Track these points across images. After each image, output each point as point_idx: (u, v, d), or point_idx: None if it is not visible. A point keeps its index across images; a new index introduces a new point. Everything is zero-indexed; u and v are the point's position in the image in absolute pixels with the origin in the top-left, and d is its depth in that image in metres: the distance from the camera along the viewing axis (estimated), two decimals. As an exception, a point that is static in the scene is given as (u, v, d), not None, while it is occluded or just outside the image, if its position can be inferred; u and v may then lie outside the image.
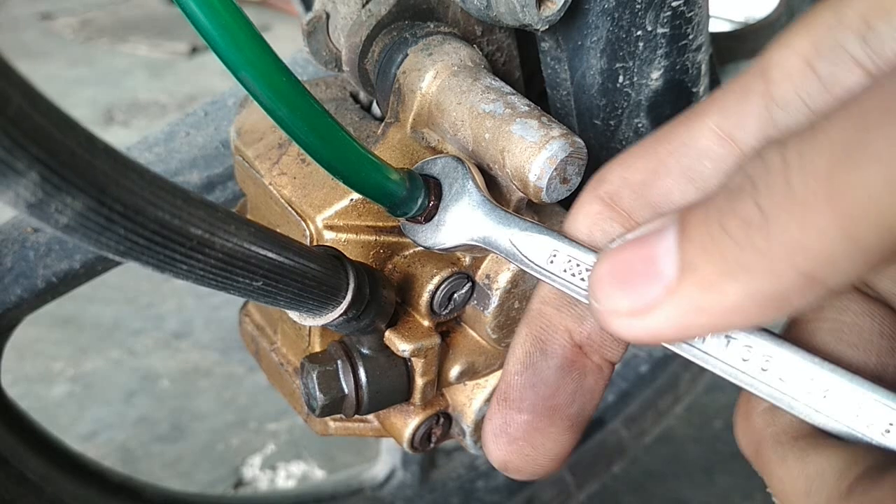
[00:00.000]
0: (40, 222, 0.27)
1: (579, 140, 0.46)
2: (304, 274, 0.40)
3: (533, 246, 0.41)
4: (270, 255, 0.37)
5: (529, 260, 0.41)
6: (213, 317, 1.66)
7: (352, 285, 0.45)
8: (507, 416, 0.40)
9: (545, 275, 0.40)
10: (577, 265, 0.38)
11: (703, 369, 0.36)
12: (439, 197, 0.47)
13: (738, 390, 0.37)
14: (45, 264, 0.65)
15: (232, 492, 1.31)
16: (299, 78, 0.71)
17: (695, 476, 1.34)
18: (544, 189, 0.46)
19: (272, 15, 3.29)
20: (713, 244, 0.29)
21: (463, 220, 0.45)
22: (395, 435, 0.60)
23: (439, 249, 0.47)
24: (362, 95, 0.62)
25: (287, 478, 1.32)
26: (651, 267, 0.31)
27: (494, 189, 0.50)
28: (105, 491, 0.80)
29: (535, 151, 0.46)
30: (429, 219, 0.47)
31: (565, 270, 0.39)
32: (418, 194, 0.46)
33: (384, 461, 1.11)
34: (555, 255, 0.39)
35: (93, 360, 1.56)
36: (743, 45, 0.87)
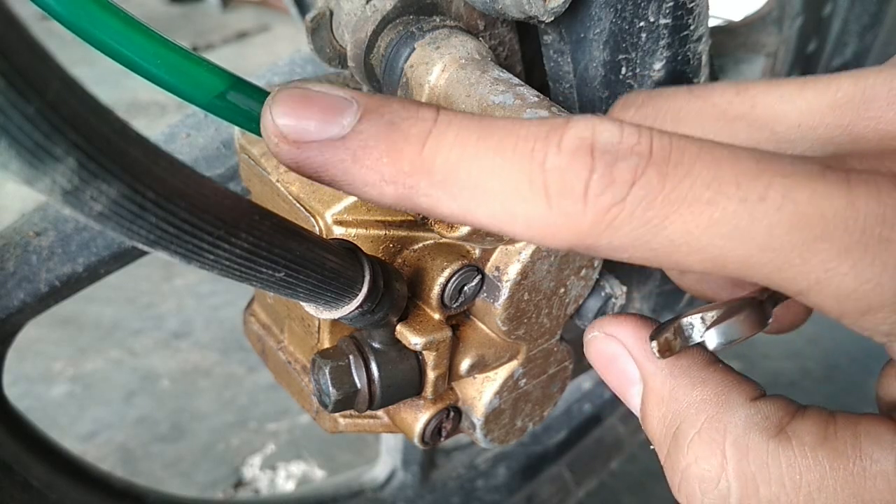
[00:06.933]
0: (74, 211, 0.27)
1: (589, 129, 0.47)
2: (323, 266, 0.40)
3: None
4: (293, 245, 0.37)
5: None
6: (213, 317, 1.65)
7: (367, 278, 0.45)
8: None
9: None
10: None
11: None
12: None
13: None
14: (48, 268, 0.65)
15: (232, 492, 1.30)
16: (299, 77, 0.71)
17: (694, 476, 1.34)
18: (556, 178, 0.46)
19: (272, 15, 3.26)
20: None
21: None
22: (405, 430, 0.60)
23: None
24: (364, 92, 0.62)
25: (287, 478, 1.32)
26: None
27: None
28: (108, 497, 0.80)
29: (546, 141, 0.46)
30: None
31: None
32: None
33: (384, 462, 1.10)
34: None
35: (93, 360, 1.55)
36: (735, 39, 0.88)
